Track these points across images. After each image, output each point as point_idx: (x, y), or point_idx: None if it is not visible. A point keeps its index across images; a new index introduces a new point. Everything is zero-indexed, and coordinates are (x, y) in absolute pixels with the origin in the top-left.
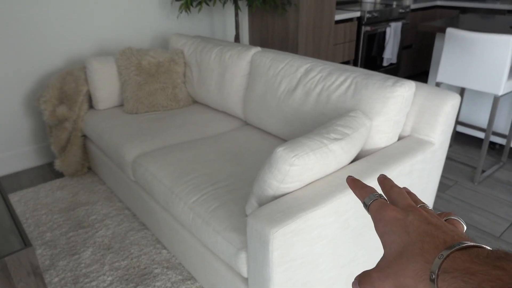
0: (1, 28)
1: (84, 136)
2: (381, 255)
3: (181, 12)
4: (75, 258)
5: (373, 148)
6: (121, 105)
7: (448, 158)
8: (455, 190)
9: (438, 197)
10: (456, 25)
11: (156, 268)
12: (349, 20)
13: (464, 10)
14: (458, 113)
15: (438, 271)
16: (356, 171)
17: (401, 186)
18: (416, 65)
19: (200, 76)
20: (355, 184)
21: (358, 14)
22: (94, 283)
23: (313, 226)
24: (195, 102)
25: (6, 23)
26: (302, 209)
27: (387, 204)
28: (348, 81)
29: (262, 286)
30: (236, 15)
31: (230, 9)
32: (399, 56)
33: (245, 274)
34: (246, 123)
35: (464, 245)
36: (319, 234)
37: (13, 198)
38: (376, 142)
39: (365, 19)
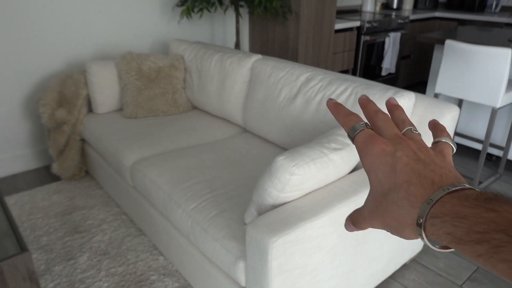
0: (1, 31)
1: (83, 140)
2: (380, 263)
3: (182, 18)
4: (71, 263)
5: None
6: (120, 109)
7: None
8: None
9: None
10: (454, 37)
11: (153, 275)
12: (349, 29)
13: (462, 22)
14: (456, 124)
15: (427, 216)
16: (355, 181)
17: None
18: (414, 75)
19: (200, 82)
20: (338, 110)
21: (357, 23)
22: None
23: (312, 235)
24: (194, 108)
25: (6, 25)
26: (302, 218)
27: (374, 136)
28: (349, 90)
29: None
30: (237, 22)
31: (231, 15)
32: (397, 66)
33: (243, 283)
34: (245, 130)
35: (453, 188)
36: (318, 244)
37: (9, 201)
38: None
39: (365, 29)
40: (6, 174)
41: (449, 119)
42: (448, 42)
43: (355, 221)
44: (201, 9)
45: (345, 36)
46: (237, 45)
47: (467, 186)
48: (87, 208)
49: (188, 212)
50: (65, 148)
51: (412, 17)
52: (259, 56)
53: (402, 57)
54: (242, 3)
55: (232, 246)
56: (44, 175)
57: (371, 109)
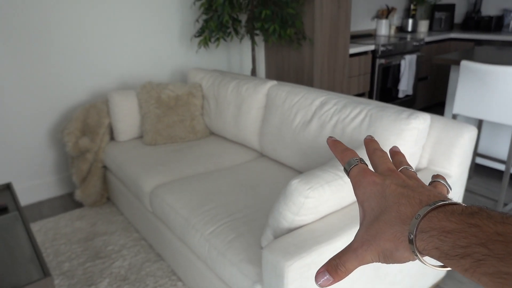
0: (29, 62)
1: (104, 167)
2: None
3: (200, 48)
4: None
5: None
6: (141, 137)
7: (468, 190)
8: None
9: None
10: (471, 57)
11: None
12: (364, 53)
13: (479, 42)
14: (477, 145)
15: (416, 231)
16: None
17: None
18: (432, 96)
19: (217, 108)
20: (336, 147)
21: (372, 47)
22: None
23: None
24: (212, 133)
25: (34, 59)
26: (317, 242)
27: (366, 170)
28: (363, 113)
29: None
30: (253, 49)
31: (246, 43)
32: (414, 87)
33: None
34: (262, 155)
35: (439, 203)
36: None
37: (34, 227)
38: None
39: (379, 52)
40: (32, 201)
41: (466, 139)
42: (464, 63)
43: (335, 266)
44: (217, 39)
45: (360, 60)
46: (254, 72)
47: (454, 201)
48: (108, 234)
49: (205, 236)
50: (88, 175)
51: (428, 39)
52: (274, 82)
53: (419, 79)
54: (257, 31)
55: (249, 271)
56: (68, 201)
57: (371, 147)
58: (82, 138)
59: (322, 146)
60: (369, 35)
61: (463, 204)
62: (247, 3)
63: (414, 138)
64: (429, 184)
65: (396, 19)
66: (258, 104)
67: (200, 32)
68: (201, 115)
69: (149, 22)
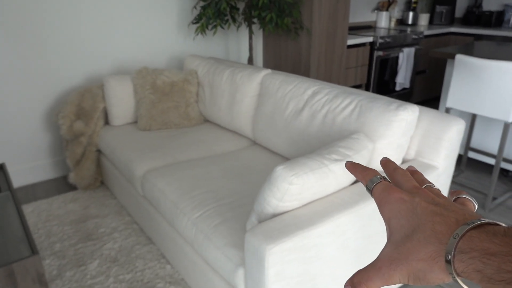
0: (25, 47)
1: (99, 151)
2: None
3: (197, 35)
4: (81, 269)
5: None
6: (135, 122)
7: (460, 184)
8: None
9: None
10: (468, 51)
11: (159, 282)
12: (362, 44)
13: (479, 37)
14: (470, 139)
15: (454, 251)
16: (356, 192)
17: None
18: (429, 90)
19: (212, 96)
20: (356, 168)
21: (370, 39)
22: None
23: (310, 245)
24: (206, 121)
25: (30, 43)
26: (299, 227)
27: (391, 186)
28: (353, 104)
29: None
30: (250, 38)
31: (244, 32)
32: (412, 81)
33: None
34: (254, 143)
35: (478, 222)
36: (316, 253)
37: (27, 209)
38: (379, 165)
39: (378, 44)
40: (27, 183)
41: (454, 132)
42: (459, 56)
43: (360, 281)
44: (215, 26)
45: (357, 51)
46: (250, 61)
47: (493, 221)
48: (100, 216)
49: (193, 220)
50: (82, 158)
51: (427, 32)
52: (268, 71)
53: (417, 72)
54: (254, 20)
55: (233, 254)
56: (62, 184)
57: (390, 166)
58: (76, 122)
59: (312, 135)
60: (368, 27)
61: (503, 225)
62: None
63: (402, 129)
64: (454, 200)
65: (396, 12)
66: (252, 92)
67: (198, 19)
68: (196, 102)
69: (147, 8)
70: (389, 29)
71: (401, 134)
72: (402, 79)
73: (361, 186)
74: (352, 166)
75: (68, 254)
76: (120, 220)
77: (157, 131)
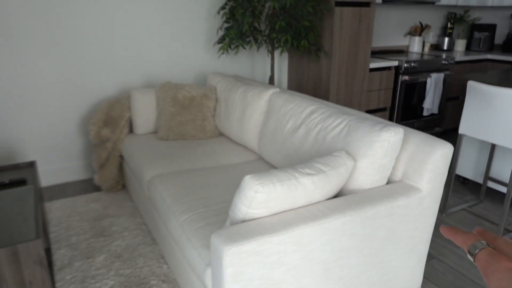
0: (68, 60)
1: (121, 157)
2: None
3: (222, 53)
4: (89, 261)
5: (357, 188)
6: (156, 131)
7: (477, 214)
8: None
9: (452, 252)
10: (491, 79)
11: (154, 280)
12: (387, 68)
13: None
14: (489, 168)
15: None
16: (328, 207)
17: (379, 227)
18: None
19: (226, 111)
20: (453, 231)
21: (395, 63)
22: (97, 285)
23: (271, 251)
24: (221, 134)
25: (72, 56)
26: (261, 233)
27: (499, 254)
28: (344, 123)
29: None
30: (272, 58)
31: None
32: (443, 107)
33: None
34: (260, 157)
35: None
36: (278, 260)
37: (56, 204)
38: (360, 184)
39: (403, 68)
40: (59, 182)
41: (438, 156)
42: (470, 83)
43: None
44: (237, 46)
45: (381, 74)
46: (272, 80)
47: None
48: (116, 216)
49: (180, 222)
50: (106, 162)
51: (460, 58)
52: (277, 89)
53: (448, 98)
54: (274, 41)
55: (205, 255)
56: (89, 185)
57: (489, 235)
58: (104, 128)
59: (305, 152)
60: (400, 51)
61: None
62: (266, 14)
63: (384, 150)
64: None
65: (431, 37)
66: (260, 109)
67: (222, 39)
68: (213, 116)
69: (177, 27)
70: (422, 54)
71: (383, 154)
72: (430, 104)
73: (337, 202)
74: (449, 230)
75: (81, 247)
76: (132, 221)
77: (174, 141)
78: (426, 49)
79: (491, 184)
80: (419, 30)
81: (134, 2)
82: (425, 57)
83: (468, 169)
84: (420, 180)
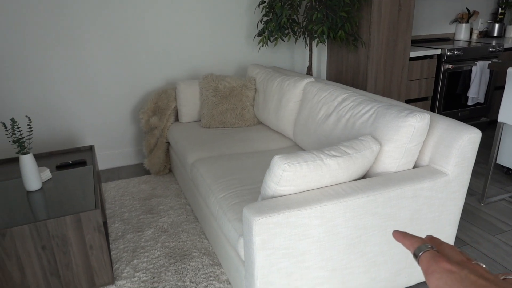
0: (123, 56)
1: (168, 143)
2: (384, 270)
3: (262, 46)
4: (139, 234)
5: (384, 171)
6: (199, 120)
7: None
8: (508, 235)
9: (487, 240)
10: None
11: (195, 252)
12: (429, 57)
13: None
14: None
15: None
16: (352, 187)
17: (403, 208)
18: None
19: (264, 100)
20: (403, 235)
21: (438, 52)
22: (146, 254)
23: (296, 223)
24: (259, 123)
25: (126, 52)
26: (287, 207)
27: (440, 256)
28: (372, 110)
29: (250, 268)
30: (310, 49)
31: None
32: (490, 96)
33: (243, 257)
34: (295, 144)
35: None
36: (303, 232)
37: (111, 185)
38: (386, 167)
39: (446, 57)
40: (115, 166)
41: (465, 140)
42: (510, 70)
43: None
44: (276, 38)
45: (422, 63)
46: (309, 70)
47: None
48: (163, 197)
49: (218, 199)
50: (154, 148)
51: (511, 45)
52: (311, 79)
53: (496, 87)
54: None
55: (239, 227)
56: (140, 169)
57: (437, 240)
58: (152, 117)
59: (336, 137)
60: (445, 39)
61: None
62: (305, 6)
63: (410, 135)
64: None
65: (481, 23)
66: (295, 98)
67: (261, 32)
68: (252, 105)
69: (220, 23)
70: (469, 41)
71: (409, 139)
72: (475, 93)
73: (358, 183)
74: (399, 234)
75: (132, 222)
76: (177, 201)
77: (215, 129)
78: (474, 36)
79: None
80: (466, 16)
81: (180, 1)
82: (471, 45)
83: (511, 159)
84: (446, 164)
